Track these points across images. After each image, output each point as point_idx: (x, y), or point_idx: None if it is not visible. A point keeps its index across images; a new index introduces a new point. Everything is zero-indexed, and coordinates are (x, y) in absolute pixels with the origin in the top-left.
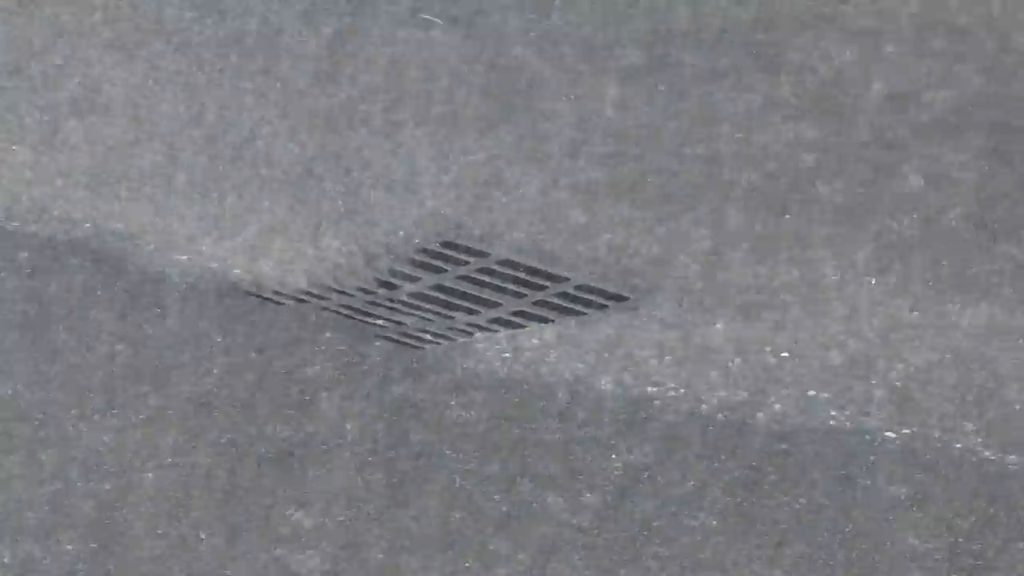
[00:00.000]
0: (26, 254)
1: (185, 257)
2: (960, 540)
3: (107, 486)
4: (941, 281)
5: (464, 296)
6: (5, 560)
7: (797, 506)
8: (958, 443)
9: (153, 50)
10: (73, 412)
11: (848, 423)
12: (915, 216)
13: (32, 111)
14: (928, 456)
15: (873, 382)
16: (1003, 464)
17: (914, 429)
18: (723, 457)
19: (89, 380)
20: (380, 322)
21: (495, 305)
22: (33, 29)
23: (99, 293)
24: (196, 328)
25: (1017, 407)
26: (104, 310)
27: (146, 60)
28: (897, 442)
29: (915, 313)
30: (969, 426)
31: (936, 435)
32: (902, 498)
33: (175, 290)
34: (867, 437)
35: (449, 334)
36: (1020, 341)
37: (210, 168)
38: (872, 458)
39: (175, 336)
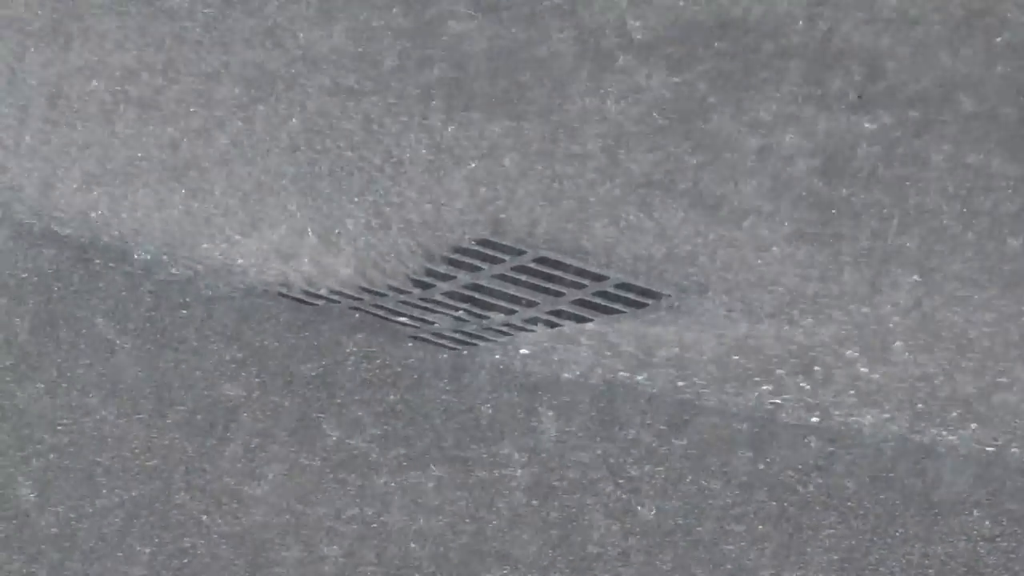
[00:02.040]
0: (51, 254)
1: (212, 257)
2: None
3: (133, 493)
4: (993, 278)
5: (500, 295)
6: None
7: (843, 510)
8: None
9: (171, 43)
10: (97, 417)
11: (897, 428)
12: (965, 211)
13: (56, 108)
14: (983, 461)
15: (924, 387)
16: None
17: (953, 433)
18: (767, 460)
19: (113, 384)
20: (414, 322)
21: (532, 304)
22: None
23: (124, 295)
24: (223, 330)
25: None
26: (130, 312)
27: (165, 55)
28: (932, 444)
29: (960, 310)
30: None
31: (984, 440)
32: (953, 502)
33: (202, 291)
34: (915, 441)
35: (485, 334)
36: None
37: (237, 166)
38: (919, 461)
39: (202, 339)
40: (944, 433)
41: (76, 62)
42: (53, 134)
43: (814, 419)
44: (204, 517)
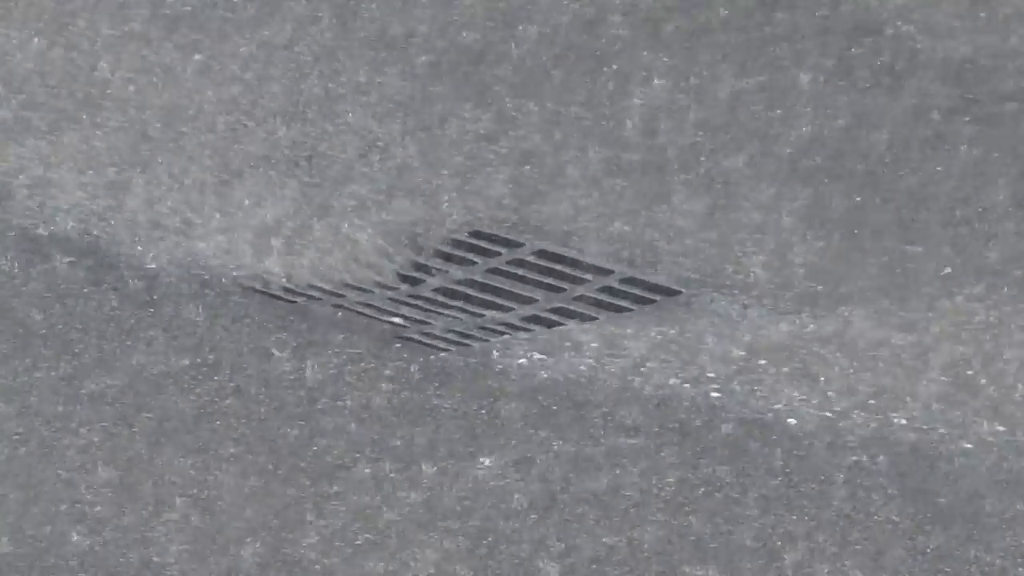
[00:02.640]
0: (5, 249)
1: (180, 250)
2: None
3: (98, 508)
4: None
5: (496, 291)
6: None
7: (870, 524)
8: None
9: (148, 38)
10: (56, 426)
11: (916, 427)
12: (999, 200)
13: (24, 101)
14: (990, 461)
15: (943, 386)
16: None
17: (978, 434)
18: (787, 471)
19: (74, 390)
20: (401, 321)
21: (530, 301)
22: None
23: (86, 292)
24: (193, 330)
25: None
26: (92, 311)
27: (141, 49)
28: (961, 445)
29: (995, 307)
30: None
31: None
32: (989, 515)
33: (171, 288)
34: (934, 441)
35: (479, 334)
36: None
37: (208, 153)
38: (937, 462)
39: (170, 340)
40: (978, 441)
41: (55, 54)
42: (9, 126)
43: (837, 425)
44: (172, 534)
